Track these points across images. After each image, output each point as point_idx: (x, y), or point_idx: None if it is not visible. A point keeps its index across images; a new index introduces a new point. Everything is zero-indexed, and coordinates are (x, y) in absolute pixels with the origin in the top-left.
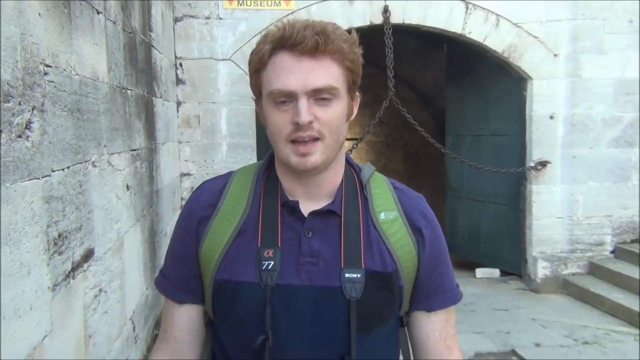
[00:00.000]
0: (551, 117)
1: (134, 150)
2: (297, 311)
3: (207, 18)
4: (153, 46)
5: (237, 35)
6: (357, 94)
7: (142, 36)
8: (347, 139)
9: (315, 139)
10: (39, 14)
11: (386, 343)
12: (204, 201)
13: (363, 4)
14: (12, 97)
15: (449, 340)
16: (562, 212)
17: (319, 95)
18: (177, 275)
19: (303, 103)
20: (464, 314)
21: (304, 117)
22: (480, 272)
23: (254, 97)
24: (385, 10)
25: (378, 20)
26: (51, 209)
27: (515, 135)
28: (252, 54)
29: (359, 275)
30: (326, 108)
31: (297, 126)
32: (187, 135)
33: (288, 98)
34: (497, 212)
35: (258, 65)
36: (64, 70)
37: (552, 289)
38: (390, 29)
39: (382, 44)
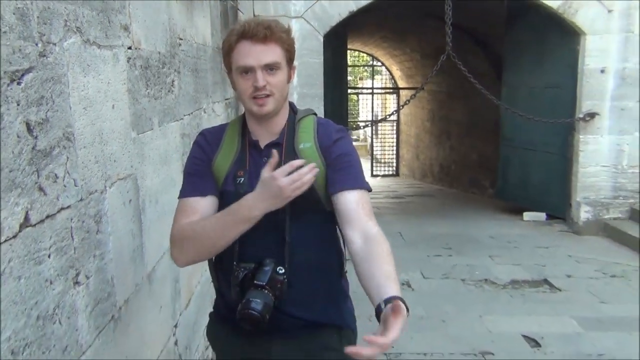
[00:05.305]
0: (602, 71)
1: (227, 99)
2: None
3: None
4: (239, 9)
5: None
6: (294, 64)
7: (231, 2)
8: (408, 88)
9: (268, 96)
10: (176, 1)
11: (318, 232)
12: (211, 140)
13: None
14: (165, 64)
15: (366, 211)
16: (607, 161)
17: (269, 67)
18: (198, 182)
19: (259, 73)
20: (508, 250)
21: (260, 82)
22: (527, 215)
23: (226, 70)
24: None
25: None
26: (184, 143)
27: (568, 88)
28: (223, 42)
29: None
30: (274, 76)
31: (256, 88)
32: None
33: (249, 70)
34: (547, 161)
35: (228, 50)
36: (189, 40)
37: (593, 231)
38: None
39: None
